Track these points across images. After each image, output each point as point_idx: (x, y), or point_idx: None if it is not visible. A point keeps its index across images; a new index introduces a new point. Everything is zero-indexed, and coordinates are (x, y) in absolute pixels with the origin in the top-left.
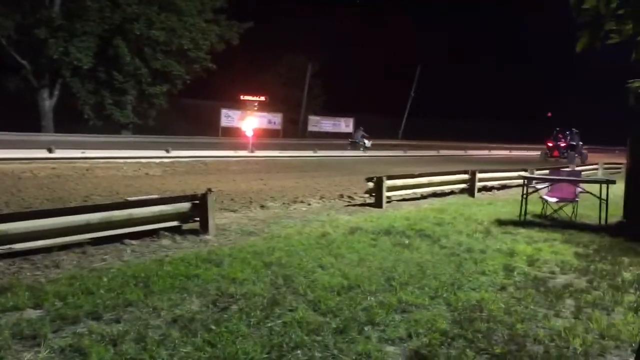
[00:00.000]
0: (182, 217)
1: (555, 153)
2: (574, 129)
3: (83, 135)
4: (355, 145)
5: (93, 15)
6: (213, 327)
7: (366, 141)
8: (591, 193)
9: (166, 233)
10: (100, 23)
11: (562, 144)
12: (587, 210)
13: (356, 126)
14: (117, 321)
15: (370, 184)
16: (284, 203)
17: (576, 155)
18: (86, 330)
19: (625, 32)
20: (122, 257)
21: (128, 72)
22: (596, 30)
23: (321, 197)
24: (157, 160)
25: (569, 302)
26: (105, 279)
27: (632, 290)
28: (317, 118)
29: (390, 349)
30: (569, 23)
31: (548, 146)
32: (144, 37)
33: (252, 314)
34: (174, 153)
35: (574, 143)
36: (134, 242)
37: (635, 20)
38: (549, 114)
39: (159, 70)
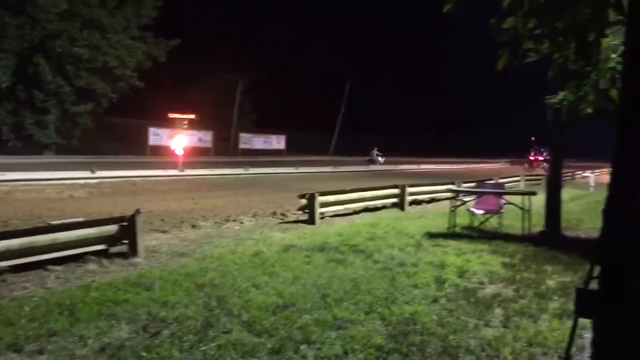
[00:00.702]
0: (110, 240)
1: (535, 165)
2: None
3: (1, 156)
4: (372, 162)
5: (11, 33)
6: (144, 354)
7: (380, 158)
8: (514, 204)
9: (93, 257)
10: (19, 40)
11: (541, 158)
12: (512, 221)
13: (372, 148)
14: (41, 352)
15: (303, 201)
16: (216, 222)
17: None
18: None
19: (542, 51)
20: (45, 284)
21: (49, 91)
22: (515, 49)
23: (254, 215)
24: (82, 182)
25: (498, 311)
26: (27, 308)
27: (556, 298)
28: (249, 135)
29: None
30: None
31: (529, 159)
32: (67, 54)
33: (185, 338)
34: (100, 173)
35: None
36: (58, 267)
37: (551, 39)
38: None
39: (83, 89)
